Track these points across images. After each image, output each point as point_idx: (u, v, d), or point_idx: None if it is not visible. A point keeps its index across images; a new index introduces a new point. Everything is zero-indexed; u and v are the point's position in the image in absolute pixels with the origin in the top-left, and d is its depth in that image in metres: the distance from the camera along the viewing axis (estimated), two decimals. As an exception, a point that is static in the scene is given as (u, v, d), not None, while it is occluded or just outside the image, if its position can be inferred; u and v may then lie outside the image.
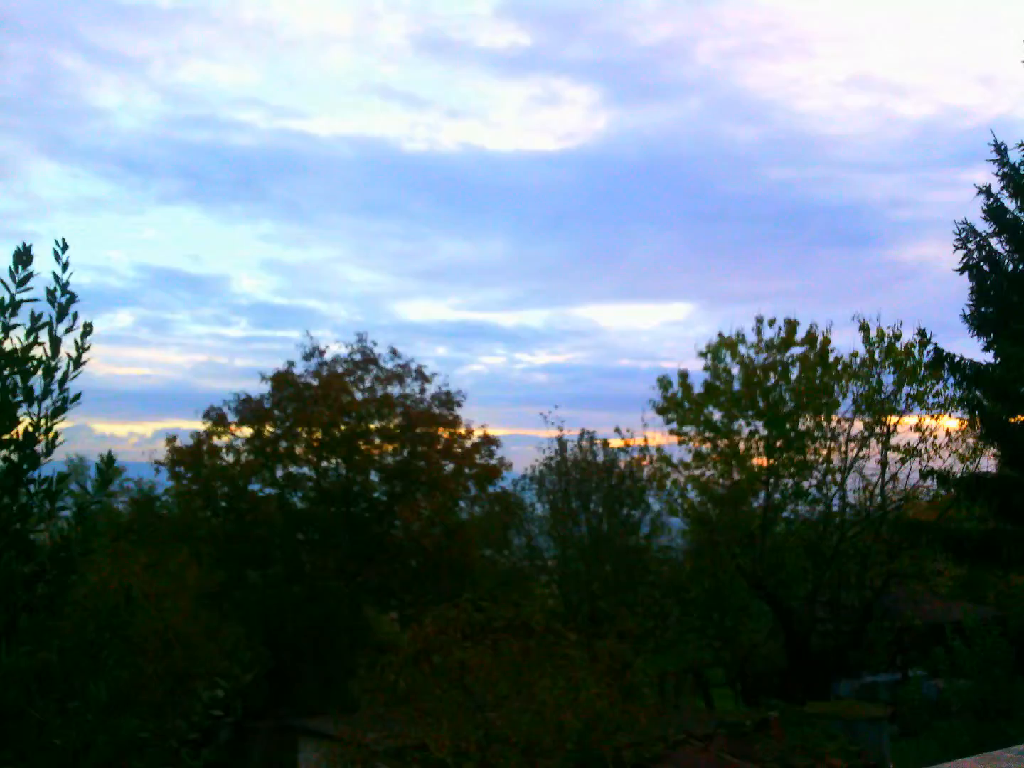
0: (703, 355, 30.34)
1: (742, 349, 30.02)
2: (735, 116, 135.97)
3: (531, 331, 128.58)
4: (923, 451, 27.87)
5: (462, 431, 31.42)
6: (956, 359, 17.01)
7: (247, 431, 30.39)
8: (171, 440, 30.13)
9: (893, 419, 28.71)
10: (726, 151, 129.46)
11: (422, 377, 31.26)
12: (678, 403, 30.57)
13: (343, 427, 30.03)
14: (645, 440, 30.69)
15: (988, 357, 17.11)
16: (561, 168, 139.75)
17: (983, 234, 16.80)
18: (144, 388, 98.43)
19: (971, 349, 17.20)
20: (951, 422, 27.10)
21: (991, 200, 16.71)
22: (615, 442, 30.71)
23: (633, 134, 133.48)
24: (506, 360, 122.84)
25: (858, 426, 29.20)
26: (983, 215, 16.80)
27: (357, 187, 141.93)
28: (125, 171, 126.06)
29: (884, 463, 29.03)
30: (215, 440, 30.28)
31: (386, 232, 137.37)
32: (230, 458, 30.29)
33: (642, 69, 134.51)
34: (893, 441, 28.87)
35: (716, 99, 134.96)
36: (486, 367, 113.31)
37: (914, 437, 28.20)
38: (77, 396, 4.20)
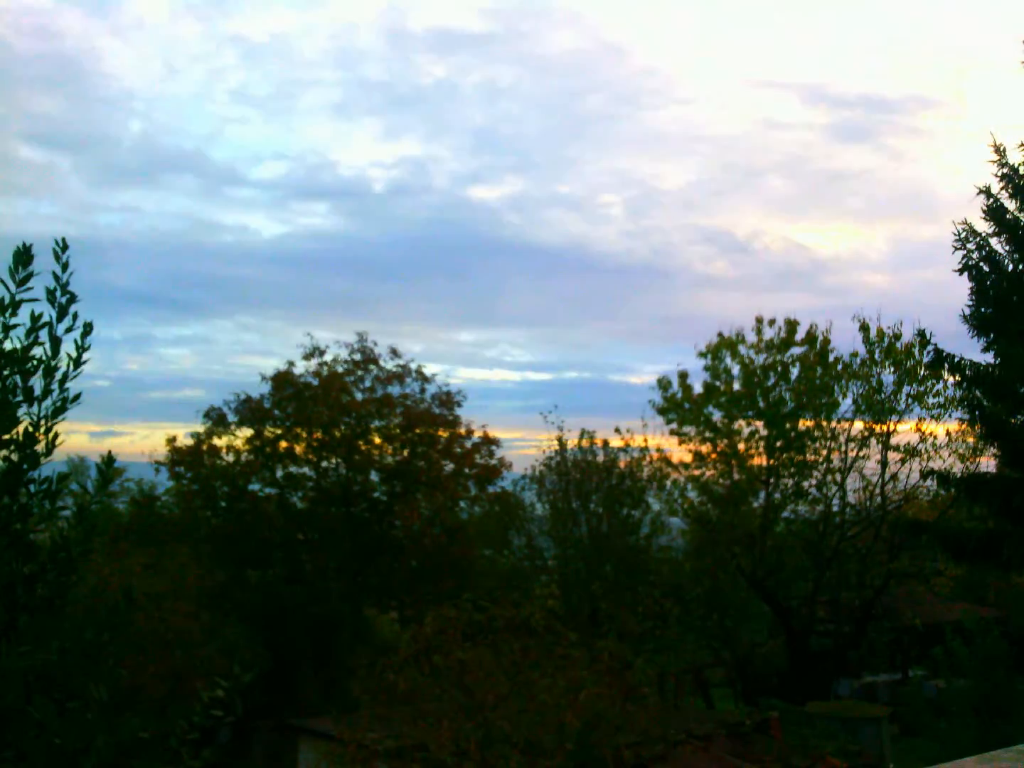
0: (703, 355, 30.37)
1: (742, 349, 30.06)
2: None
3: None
4: (923, 451, 27.88)
5: (462, 431, 31.43)
6: (956, 359, 17.01)
7: (247, 431, 30.42)
8: (171, 440, 30.17)
9: (893, 419, 28.72)
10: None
11: (422, 377, 31.29)
12: (678, 403, 30.59)
13: (343, 427, 30.03)
14: (645, 440, 30.74)
15: (988, 357, 17.12)
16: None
17: (983, 234, 16.79)
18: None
19: (971, 349, 17.14)
20: (951, 422, 27.12)
21: (991, 200, 16.70)
22: (615, 442, 30.76)
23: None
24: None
25: (858, 426, 29.24)
26: (983, 215, 16.79)
27: None
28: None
29: (884, 463, 29.04)
30: (215, 440, 30.32)
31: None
32: (230, 458, 30.31)
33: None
34: (893, 441, 28.88)
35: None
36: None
37: (914, 437, 28.22)
38: (77, 396, 4.20)
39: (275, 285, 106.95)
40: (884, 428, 28.72)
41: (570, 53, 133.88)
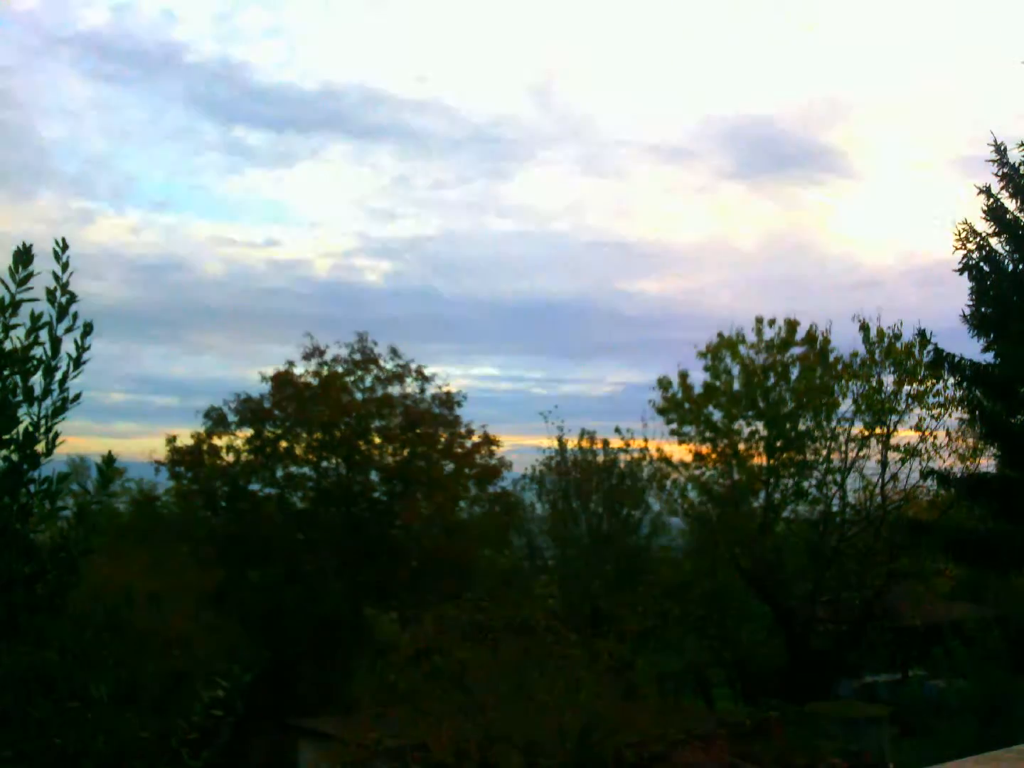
0: (703, 355, 30.33)
1: (742, 349, 30.02)
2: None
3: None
4: (923, 451, 27.85)
5: (462, 431, 31.43)
6: (956, 359, 17.00)
7: (247, 431, 30.42)
8: (171, 440, 30.16)
9: (893, 419, 28.70)
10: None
11: (422, 377, 31.28)
12: (678, 403, 30.56)
13: (343, 427, 30.03)
14: (645, 441, 30.72)
15: (988, 357, 17.11)
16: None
17: (983, 234, 16.79)
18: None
19: (971, 349, 17.14)
20: (951, 422, 27.10)
21: (991, 200, 16.69)
22: (615, 442, 30.76)
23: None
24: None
25: (858, 426, 29.22)
26: (983, 215, 16.78)
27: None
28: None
29: (884, 463, 28.99)
30: (215, 440, 30.32)
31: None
32: (230, 458, 30.31)
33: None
34: (893, 441, 28.85)
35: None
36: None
37: (914, 437, 28.20)
38: (77, 396, 4.20)
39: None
40: (884, 431, 28.71)
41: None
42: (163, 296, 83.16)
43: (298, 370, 30.74)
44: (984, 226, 16.78)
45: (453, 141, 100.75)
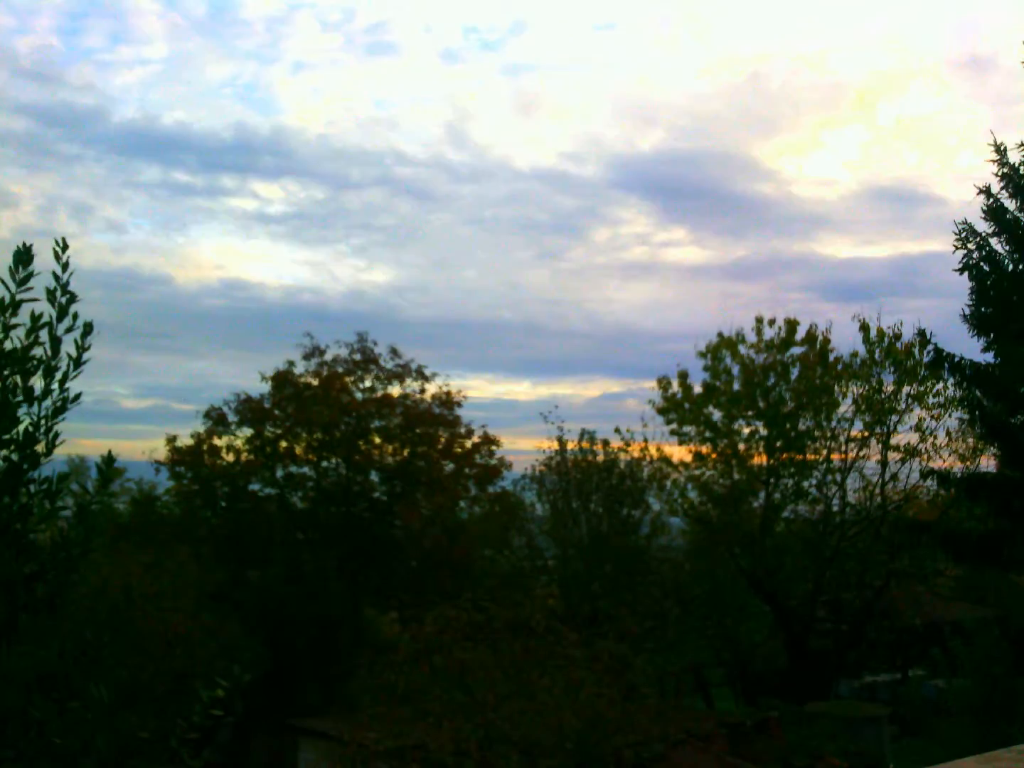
0: (703, 355, 30.34)
1: (742, 349, 30.03)
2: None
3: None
4: (923, 451, 27.86)
5: (462, 431, 31.41)
6: (956, 359, 17.00)
7: (247, 431, 30.40)
8: (171, 440, 30.13)
9: (893, 419, 28.70)
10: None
11: (422, 377, 31.24)
12: (678, 403, 30.57)
13: (343, 427, 30.01)
14: (645, 441, 30.71)
15: (988, 357, 17.11)
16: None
17: (983, 234, 16.78)
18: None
19: (971, 349, 17.12)
20: (951, 422, 27.09)
21: (991, 200, 16.68)
22: (615, 442, 30.73)
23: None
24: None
25: (858, 426, 29.22)
26: (983, 215, 16.77)
27: None
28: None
29: (884, 463, 29.01)
30: (215, 440, 30.29)
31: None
32: (230, 458, 30.29)
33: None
34: (893, 441, 28.86)
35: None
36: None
37: (914, 437, 28.20)
38: (77, 396, 4.20)
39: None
40: (884, 431, 28.70)
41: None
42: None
43: (298, 370, 30.76)
44: (984, 226, 16.78)
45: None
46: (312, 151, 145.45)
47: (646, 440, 30.60)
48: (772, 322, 29.79)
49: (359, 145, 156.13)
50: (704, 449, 30.38)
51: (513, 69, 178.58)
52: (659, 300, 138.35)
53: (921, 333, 18.09)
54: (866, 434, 29.08)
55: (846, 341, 29.51)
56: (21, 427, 4.05)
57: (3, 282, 4.08)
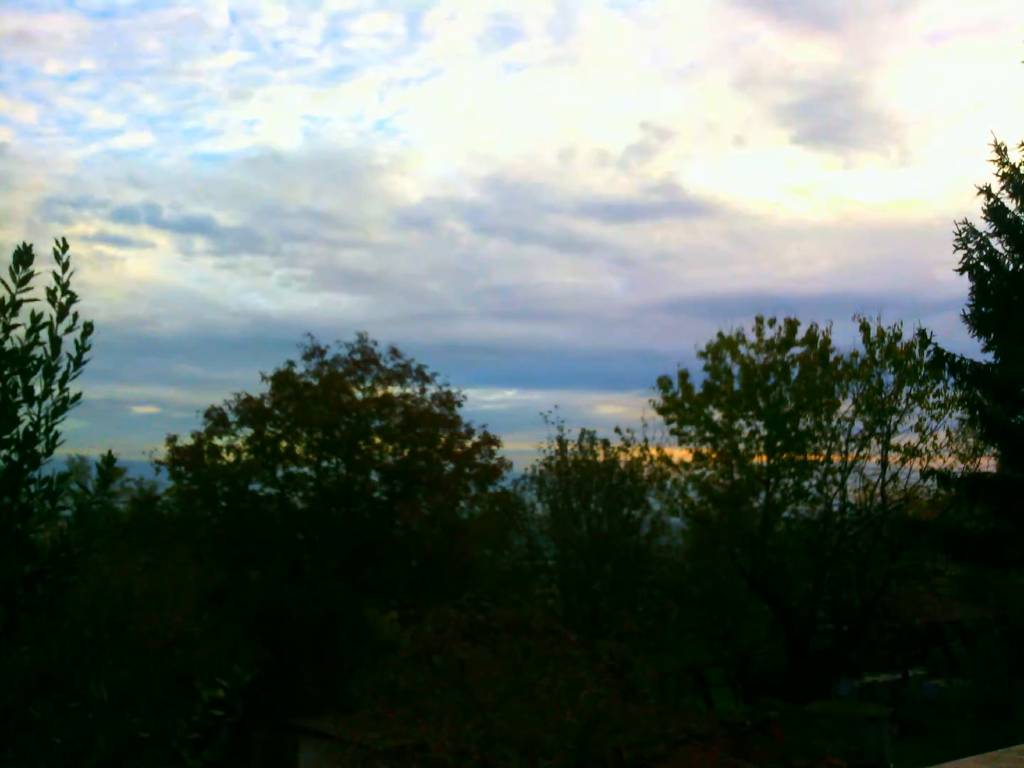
0: (703, 355, 30.33)
1: (742, 349, 30.02)
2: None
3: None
4: (923, 451, 27.85)
5: (462, 431, 31.39)
6: (956, 359, 16.99)
7: (247, 431, 30.38)
8: (171, 440, 30.13)
9: (893, 419, 28.69)
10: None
11: (422, 377, 31.22)
12: (678, 403, 30.56)
13: (343, 427, 29.99)
14: (645, 441, 30.70)
15: (988, 357, 17.10)
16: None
17: (983, 234, 16.78)
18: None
19: (972, 349, 17.12)
20: (951, 422, 27.09)
21: (991, 200, 16.68)
22: (615, 442, 30.71)
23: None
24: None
25: (858, 426, 29.21)
26: (983, 215, 16.77)
27: None
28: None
29: (884, 463, 29.01)
30: (215, 440, 30.28)
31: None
32: (230, 458, 30.28)
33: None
34: (893, 441, 28.85)
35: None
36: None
37: (914, 437, 28.20)
38: (77, 396, 4.19)
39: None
40: (885, 426, 28.69)
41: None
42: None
43: (298, 370, 30.74)
44: (984, 226, 16.78)
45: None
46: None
47: (646, 440, 30.63)
48: (772, 322, 29.81)
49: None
50: (704, 449, 30.40)
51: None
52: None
53: (921, 333, 18.10)
54: (866, 433, 29.09)
55: (846, 341, 29.47)
56: (21, 427, 4.05)
57: (3, 282, 4.08)
